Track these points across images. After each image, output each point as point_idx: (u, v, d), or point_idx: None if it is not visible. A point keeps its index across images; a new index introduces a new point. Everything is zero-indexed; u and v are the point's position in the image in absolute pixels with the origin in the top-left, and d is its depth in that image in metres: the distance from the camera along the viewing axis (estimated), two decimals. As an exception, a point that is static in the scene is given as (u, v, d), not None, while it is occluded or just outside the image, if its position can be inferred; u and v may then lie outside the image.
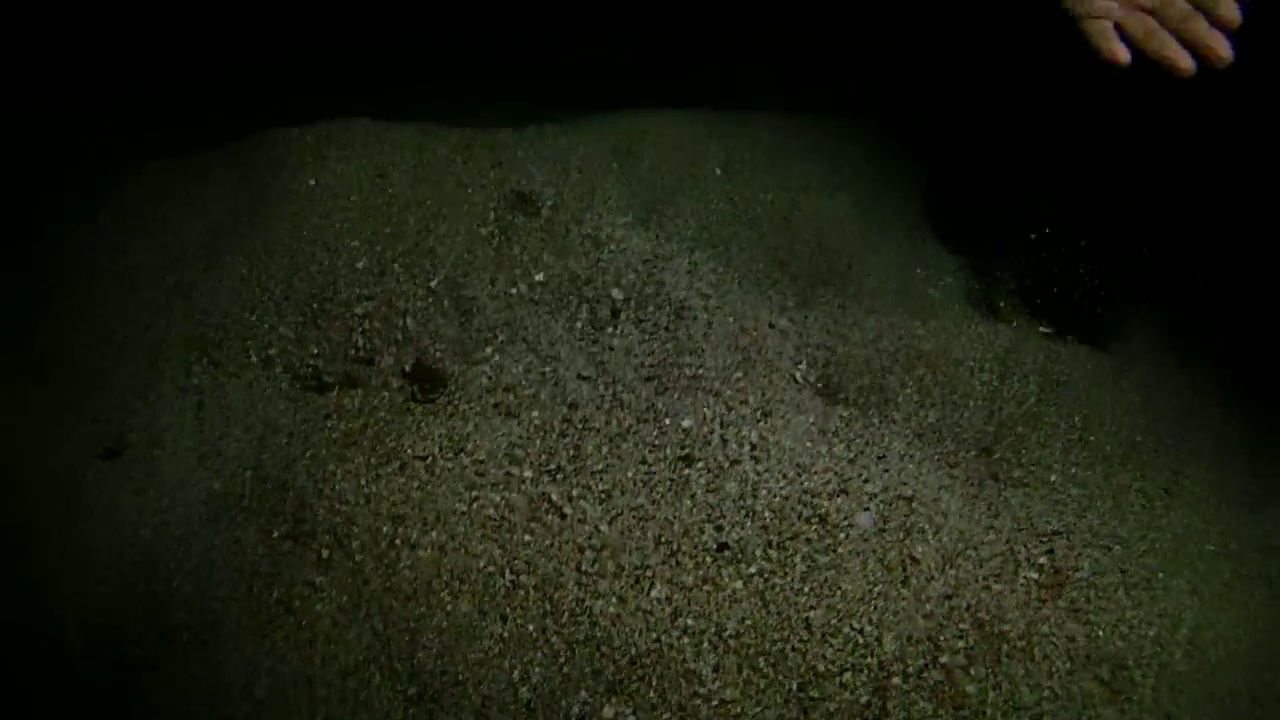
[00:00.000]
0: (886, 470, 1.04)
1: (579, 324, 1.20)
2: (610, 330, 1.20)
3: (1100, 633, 0.89)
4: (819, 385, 1.20)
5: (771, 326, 1.24)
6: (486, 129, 1.45)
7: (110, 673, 0.79)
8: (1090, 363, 1.35)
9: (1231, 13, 1.01)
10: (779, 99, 1.75)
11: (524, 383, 1.08)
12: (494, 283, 1.21)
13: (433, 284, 1.17)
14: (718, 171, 1.52)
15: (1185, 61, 1.02)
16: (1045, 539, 1.03)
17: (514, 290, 1.21)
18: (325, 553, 0.80)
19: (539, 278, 1.23)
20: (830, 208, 1.52)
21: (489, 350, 1.12)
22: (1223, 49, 1.01)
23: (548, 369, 1.11)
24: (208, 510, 0.86)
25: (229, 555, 0.81)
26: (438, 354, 1.09)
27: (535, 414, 1.02)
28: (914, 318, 1.34)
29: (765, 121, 1.65)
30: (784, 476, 0.98)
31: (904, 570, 0.91)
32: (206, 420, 0.97)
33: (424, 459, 0.91)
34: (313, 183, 1.22)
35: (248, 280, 1.11)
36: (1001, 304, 1.49)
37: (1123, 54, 1.04)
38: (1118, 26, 1.07)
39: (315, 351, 1.07)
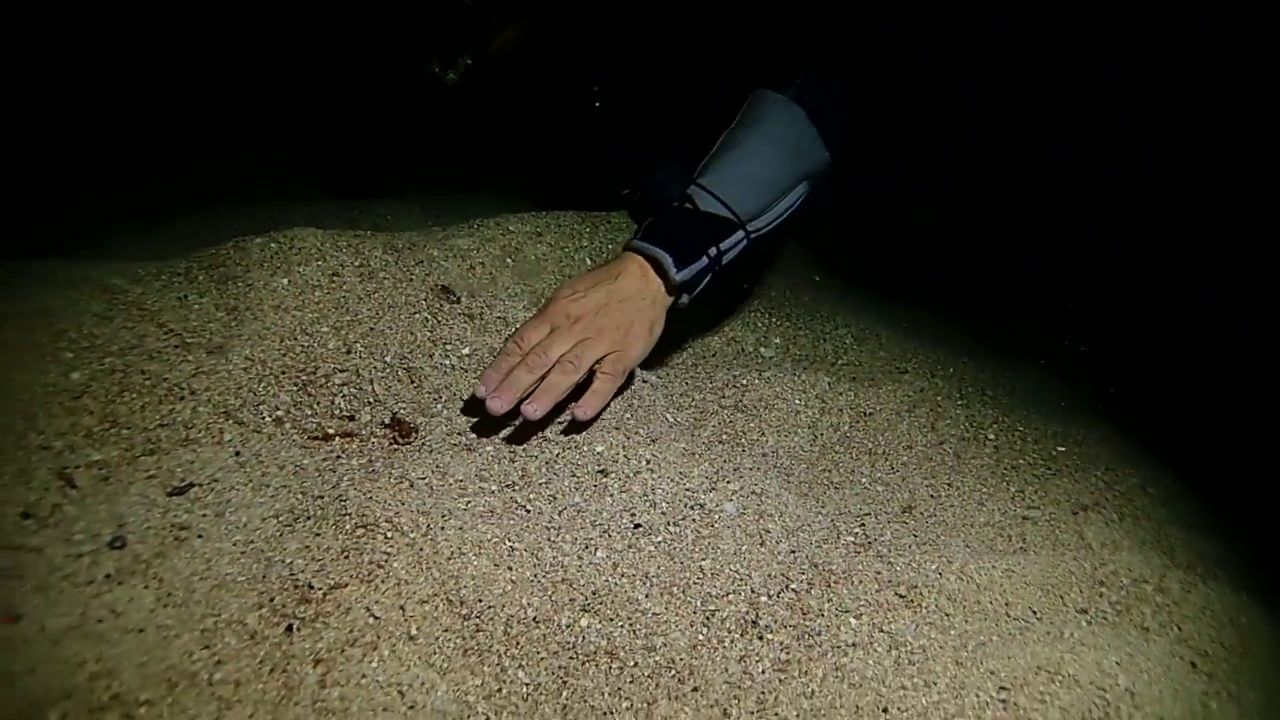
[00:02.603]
0: (741, 477, 1.60)
1: (499, 384, 1.74)
2: (526, 390, 1.74)
3: (897, 568, 1.45)
4: (685, 424, 1.77)
5: (645, 383, 1.81)
6: (401, 233, 1.99)
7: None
8: (897, 397, 1.98)
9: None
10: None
11: (468, 428, 1.60)
12: (432, 356, 1.72)
13: (387, 359, 1.68)
14: (588, 261, 2.10)
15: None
16: (858, 518, 1.61)
17: (448, 361, 1.73)
18: (389, 534, 1.28)
19: (465, 351, 1.76)
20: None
21: (439, 406, 1.63)
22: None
23: (485, 418, 1.64)
24: (281, 523, 1.33)
25: (320, 541, 1.29)
26: (401, 410, 1.60)
27: (489, 448, 1.54)
28: (752, 372, 1.94)
29: (627, 217, 2.26)
30: (671, 480, 1.52)
31: (761, 537, 1.46)
32: (247, 464, 1.42)
33: (424, 479, 1.41)
34: (285, 281, 1.70)
35: (251, 359, 1.57)
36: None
37: (499, 409, 1.55)
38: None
39: (310, 413, 1.55)
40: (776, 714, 1.19)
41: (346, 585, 1.19)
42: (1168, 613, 1.50)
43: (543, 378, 1.60)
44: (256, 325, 1.63)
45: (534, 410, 1.55)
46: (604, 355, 1.66)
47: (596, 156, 2.49)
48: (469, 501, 1.38)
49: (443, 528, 1.30)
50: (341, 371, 1.63)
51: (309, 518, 1.31)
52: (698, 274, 1.80)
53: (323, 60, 2.74)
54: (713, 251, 1.81)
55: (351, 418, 1.57)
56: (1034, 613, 1.45)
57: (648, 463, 1.55)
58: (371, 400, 1.61)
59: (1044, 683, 1.28)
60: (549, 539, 1.35)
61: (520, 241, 2.07)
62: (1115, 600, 1.51)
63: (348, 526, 1.28)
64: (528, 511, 1.40)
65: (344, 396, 1.60)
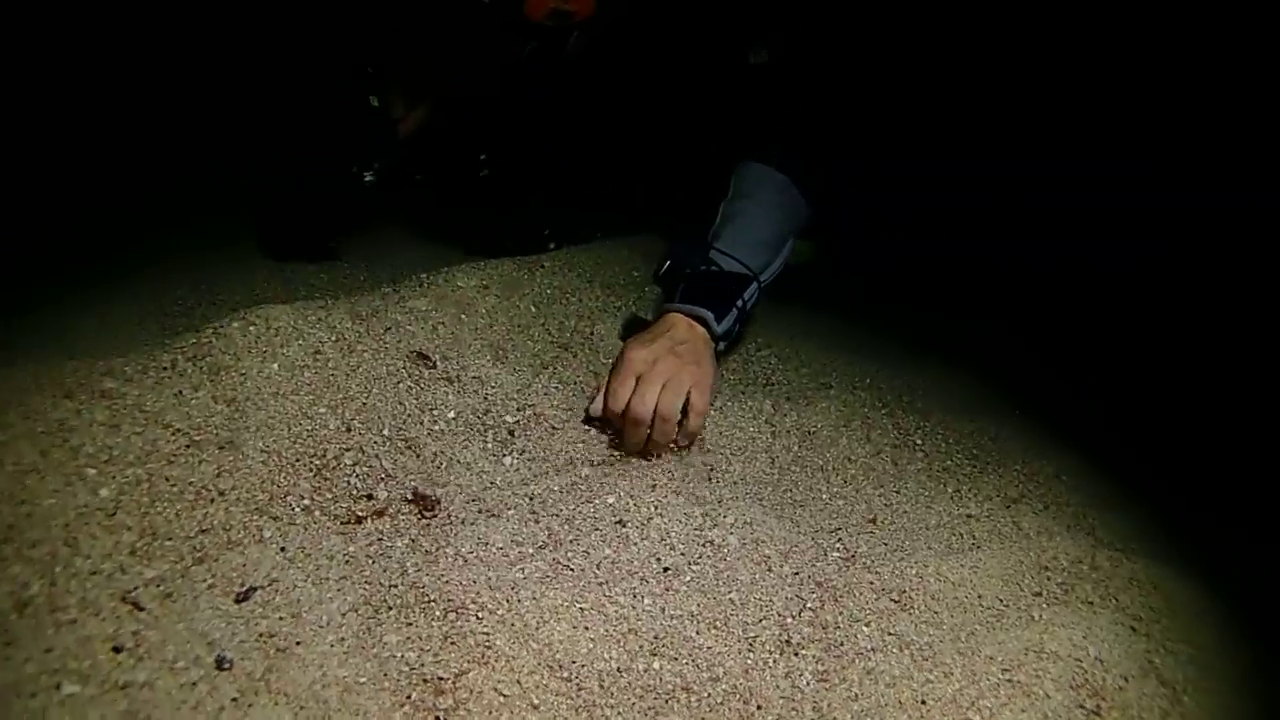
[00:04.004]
0: (727, 511, 1.84)
1: (489, 444, 1.92)
2: (513, 445, 1.93)
3: (884, 577, 1.73)
4: (664, 463, 1.99)
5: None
6: (360, 298, 2.15)
7: None
8: (832, 413, 2.27)
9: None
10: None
11: (480, 493, 1.79)
12: (422, 423, 1.90)
13: (385, 432, 1.84)
14: (533, 309, 2.30)
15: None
16: (834, 534, 1.88)
17: (438, 427, 1.91)
18: (478, 614, 1.43)
19: (451, 415, 1.94)
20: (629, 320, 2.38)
21: (443, 474, 1.81)
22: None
23: (486, 479, 1.82)
24: (361, 617, 1.46)
25: (417, 630, 1.46)
26: (413, 481, 1.77)
27: (510, 511, 1.73)
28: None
29: (559, 262, 2.48)
30: (680, 521, 1.76)
31: (766, 564, 1.72)
32: (295, 559, 1.53)
33: (472, 552, 1.58)
34: (275, 366, 1.83)
35: (266, 451, 1.69)
36: None
37: None
38: None
39: (330, 497, 1.70)
40: (835, 719, 1.45)
41: (469, 671, 1.39)
42: (1105, 587, 1.85)
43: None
44: (262, 415, 1.76)
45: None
46: (689, 388, 2.01)
47: (493, 210, 2.92)
48: (523, 569, 1.59)
49: (519, 599, 1.50)
50: (348, 451, 1.79)
51: (390, 608, 1.48)
52: (732, 323, 2.24)
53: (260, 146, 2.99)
54: (740, 303, 2.26)
55: (370, 496, 1.73)
56: (1001, 601, 1.76)
57: (655, 508, 1.79)
58: (383, 475, 1.77)
59: (1034, 661, 1.60)
60: (606, 595, 1.57)
61: (470, 296, 2.26)
62: (1060, 581, 1.84)
63: (437, 613, 1.47)
64: (572, 570, 1.61)
65: (357, 476, 1.75)
